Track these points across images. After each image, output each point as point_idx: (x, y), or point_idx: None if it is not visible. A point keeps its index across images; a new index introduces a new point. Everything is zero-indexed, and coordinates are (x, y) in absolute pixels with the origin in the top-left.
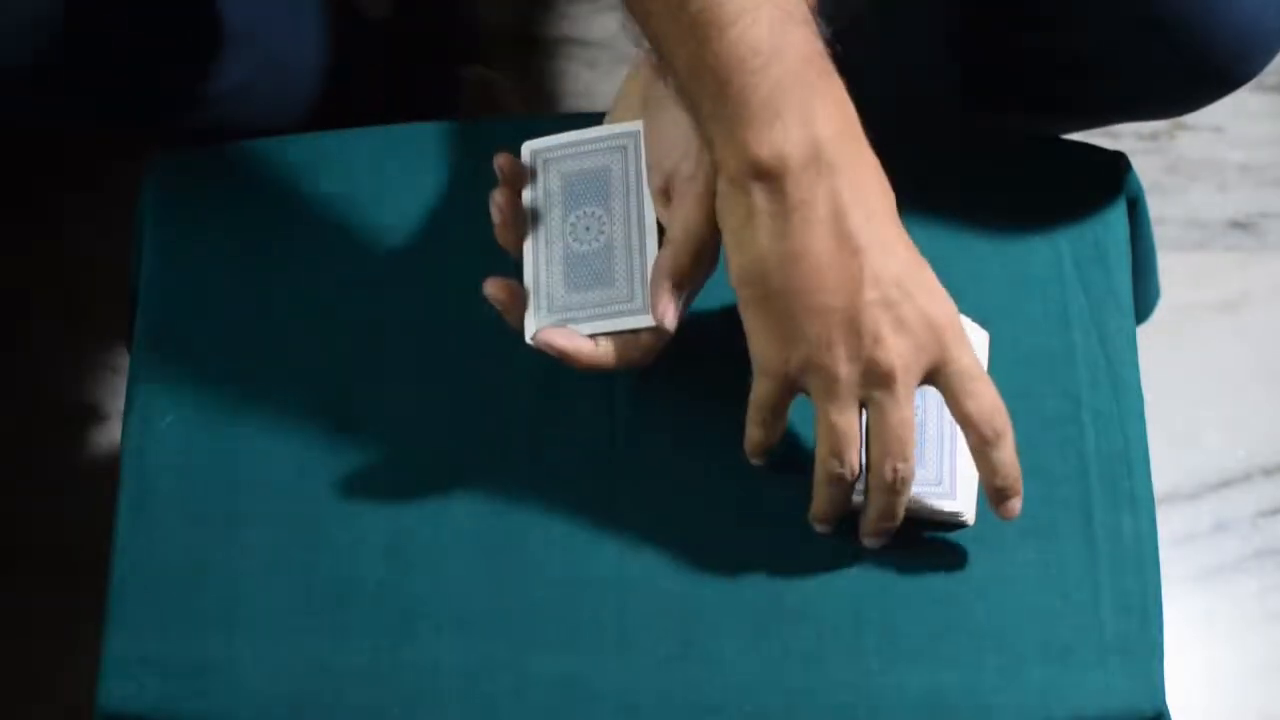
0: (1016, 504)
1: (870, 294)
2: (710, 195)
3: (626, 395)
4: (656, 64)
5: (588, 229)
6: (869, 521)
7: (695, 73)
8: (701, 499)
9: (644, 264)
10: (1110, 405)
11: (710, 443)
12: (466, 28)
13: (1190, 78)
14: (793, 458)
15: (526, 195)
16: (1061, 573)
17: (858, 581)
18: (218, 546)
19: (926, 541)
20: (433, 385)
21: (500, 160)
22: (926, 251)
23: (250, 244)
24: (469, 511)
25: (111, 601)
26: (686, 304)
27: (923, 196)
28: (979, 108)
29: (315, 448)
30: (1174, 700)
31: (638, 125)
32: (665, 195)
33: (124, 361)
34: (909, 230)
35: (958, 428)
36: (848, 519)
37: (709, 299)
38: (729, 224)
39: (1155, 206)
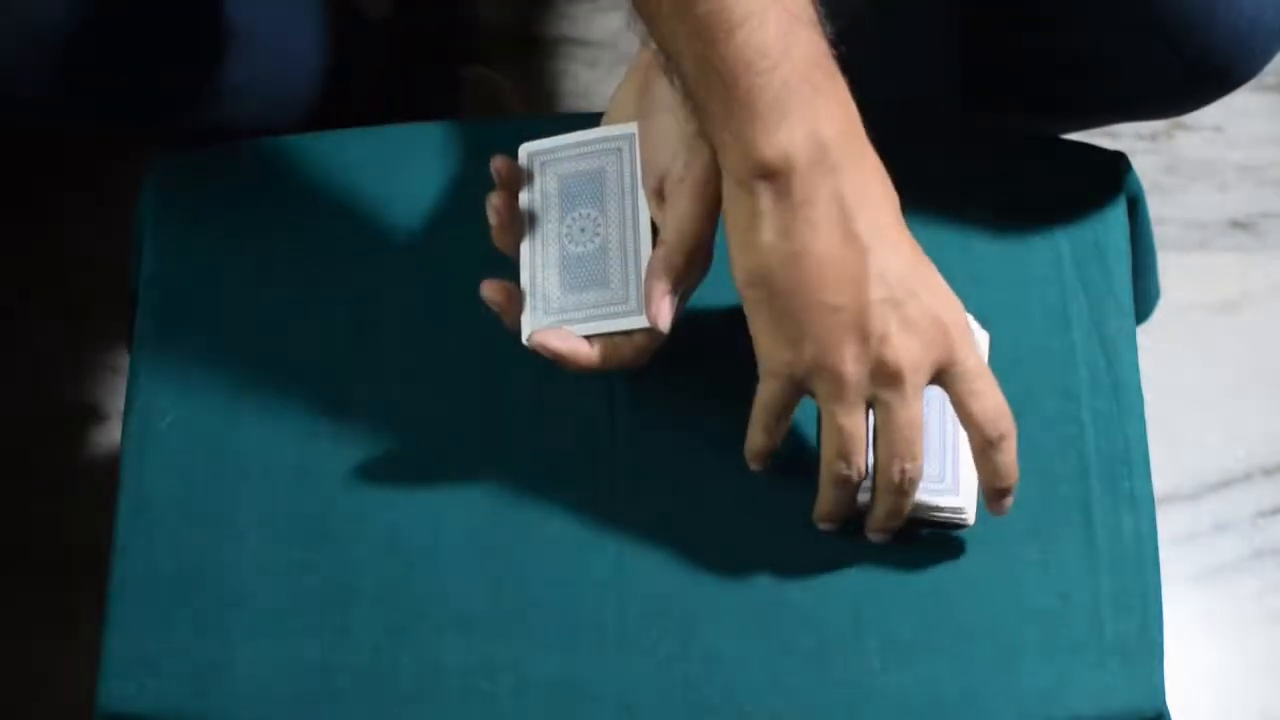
0: (1010, 501)
1: (877, 293)
2: (702, 195)
3: (626, 395)
4: (663, 65)
5: (583, 231)
6: (875, 520)
7: (703, 74)
8: (701, 499)
9: (639, 265)
10: (1110, 405)
11: (710, 442)
12: (466, 28)
13: (1190, 77)
14: (794, 457)
15: (523, 197)
16: (1061, 573)
17: (858, 581)
18: (218, 546)
19: (927, 541)
20: (433, 385)
21: (497, 163)
22: (927, 251)
23: (250, 244)
24: (469, 512)
25: (111, 601)
26: (681, 304)
27: (923, 196)
28: (979, 108)
29: (315, 448)
30: (1174, 700)
31: (632, 127)
32: (659, 196)
33: (124, 361)
34: (909, 230)
35: (960, 426)
36: (852, 517)
37: (708, 299)
38: (734, 225)
39: (1155, 206)
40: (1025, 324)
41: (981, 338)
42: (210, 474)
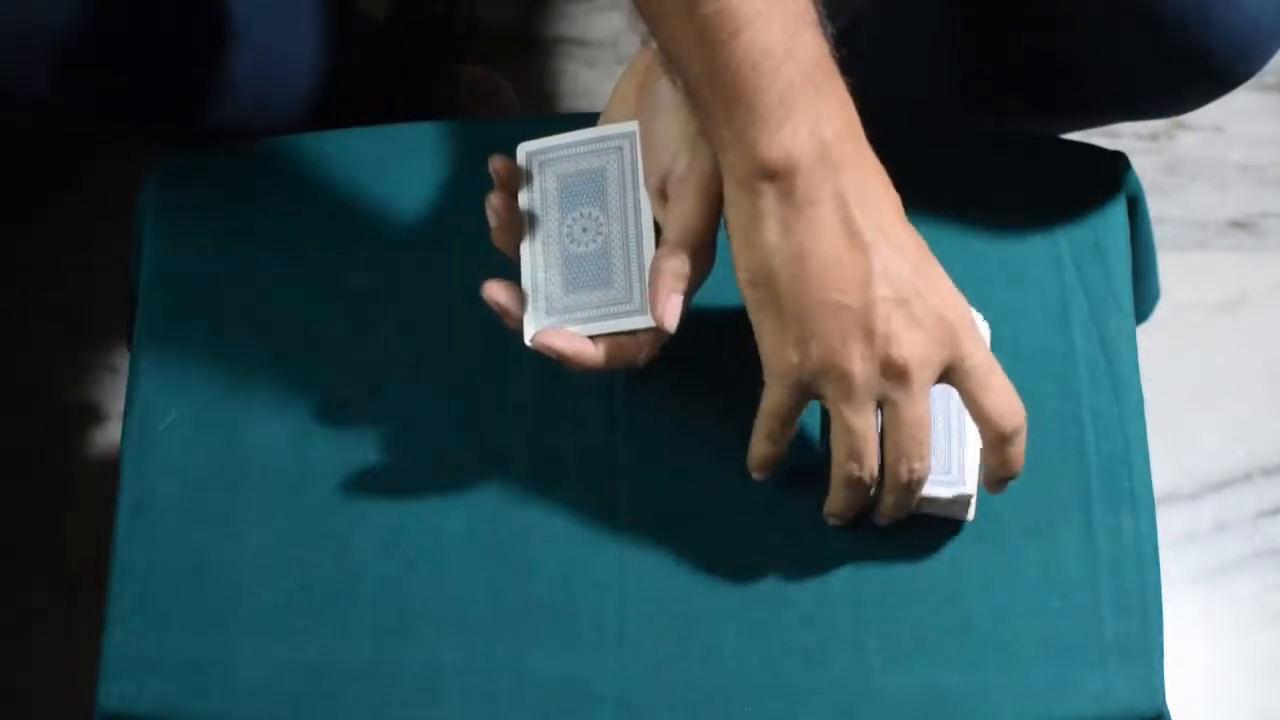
0: (1009, 485)
1: (882, 290)
2: (705, 193)
3: (627, 395)
4: (665, 66)
5: (585, 230)
6: (880, 516)
7: (707, 75)
8: (702, 498)
9: (642, 264)
10: (1110, 405)
11: (711, 442)
12: (466, 28)
13: (1189, 77)
14: (794, 457)
15: (523, 198)
16: (1061, 573)
17: (858, 581)
18: (217, 546)
19: (927, 542)
20: (433, 385)
21: (495, 163)
22: None
23: (250, 244)
24: (469, 511)
25: (111, 601)
26: (686, 303)
27: (922, 196)
28: (979, 108)
29: (315, 447)
30: (1174, 700)
31: (633, 126)
32: (661, 195)
33: (124, 361)
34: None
35: (964, 416)
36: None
37: (709, 299)
38: (737, 225)
39: (1155, 206)
40: (1025, 324)
41: (983, 329)
42: (210, 474)
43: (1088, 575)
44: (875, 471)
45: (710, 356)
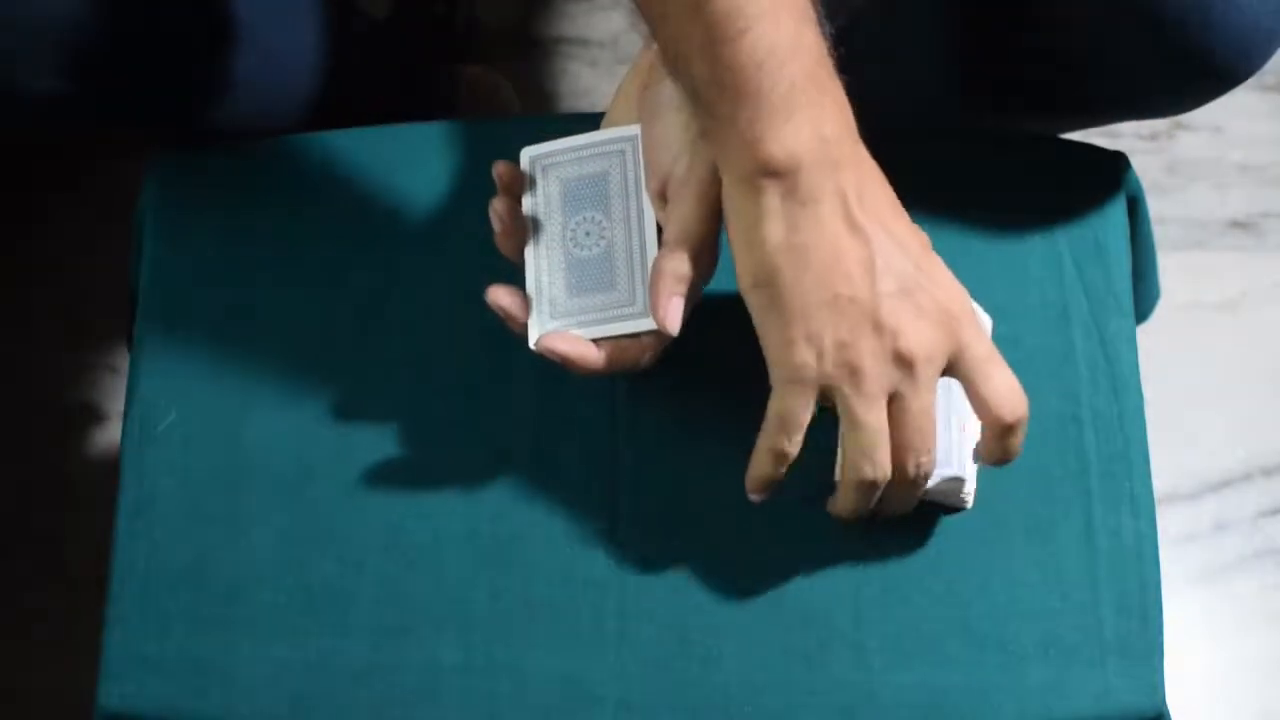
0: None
1: (886, 285)
2: (706, 196)
3: (626, 395)
4: (668, 67)
5: (588, 234)
6: (884, 510)
7: (712, 74)
8: (702, 499)
9: (645, 268)
10: (1110, 405)
11: (711, 443)
12: (466, 28)
13: (1189, 76)
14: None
15: (526, 202)
16: (1061, 573)
17: (858, 581)
18: (217, 546)
19: (927, 542)
20: (433, 386)
21: (498, 168)
22: None
23: (250, 244)
24: (469, 512)
25: (111, 601)
26: (688, 306)
27: (923, 196)
28: (979, 108)
29: (315, 447)
30: (1174, 700)
31: (635, 129)
32: (662, 197)
33: (124, 361)
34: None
35: (962, 404)
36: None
37: (710, 301)
38: (738, 224)
39: (1155, 206)
40: (1025, 324)
41: (985, 323)
42: (210, 474)
43: (1088, 575)
44: (889, 470)
45: (712, 358)
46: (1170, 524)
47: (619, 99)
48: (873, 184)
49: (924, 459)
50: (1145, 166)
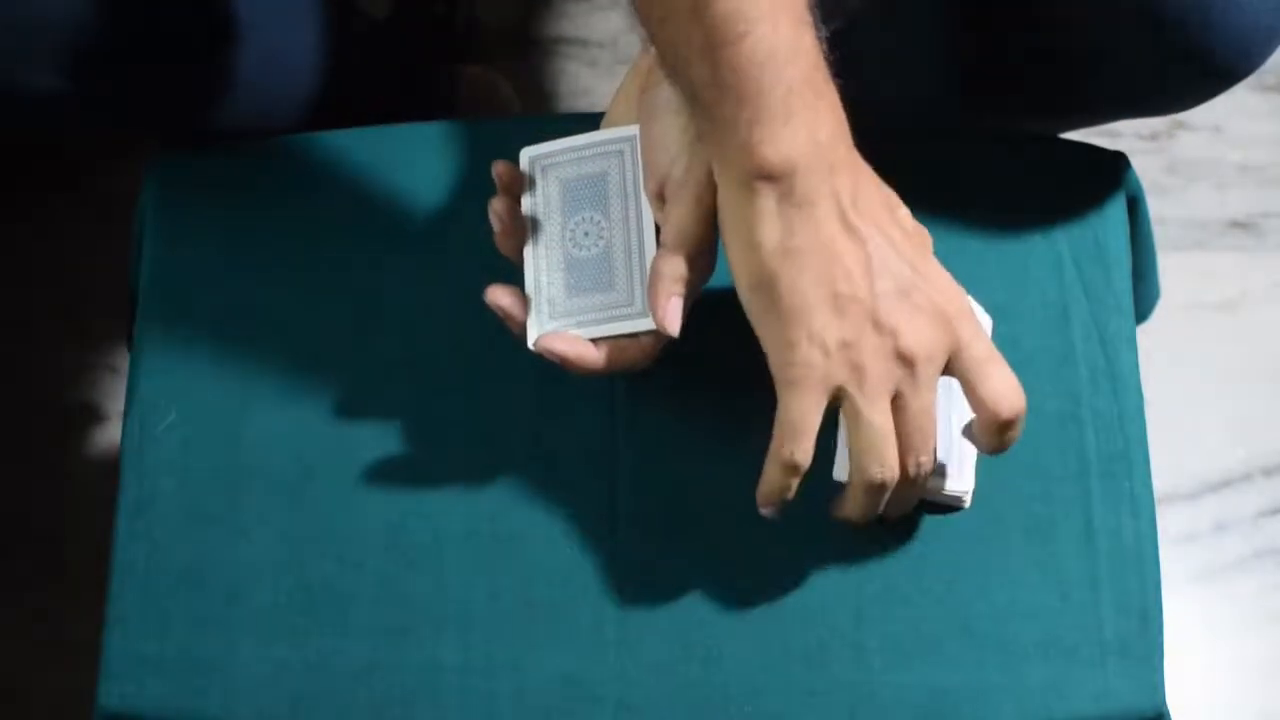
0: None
1: (884, 284)
2: (703, 198)
3: (626, 395)
4: (666, 70)
5: (587, 234)
6: (885, 511)
7: (712, 77)
8: (702, 498)
9: (643, 268)
10: (1110, 405)
11: (711, 443)
12: (466, 28)
13: (1189, 74)
14: None
15: (526, 202)
16: (1061, 573)
17: (858, 581)
18: (217, 546)
19: (927, 542)
20: (433, 385)
21: (498, 168)
22: None
23: (250, 244)
24: (469, 511)
25: (111, 601)
26: (686, 306)
27: (923, 196)
28: (979, 108)
29: (315, 447)
30: (1174, 700)
31: (634, 130)
32: (660, 198)
33: (124, 361)
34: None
35: (961, 403)
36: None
37: (708, 300)
38: (735, 229)
39: (1155, 206)
40: (1025, 324)
41: (985, 322)
42: (210, 474)
43: (1088, 575)
44: (898, 471)
45: (711, 358)
46: (1170, 524)
47: (618, 100)
48: (867, 187)
49: (924, 458)
50: (1145, 166)
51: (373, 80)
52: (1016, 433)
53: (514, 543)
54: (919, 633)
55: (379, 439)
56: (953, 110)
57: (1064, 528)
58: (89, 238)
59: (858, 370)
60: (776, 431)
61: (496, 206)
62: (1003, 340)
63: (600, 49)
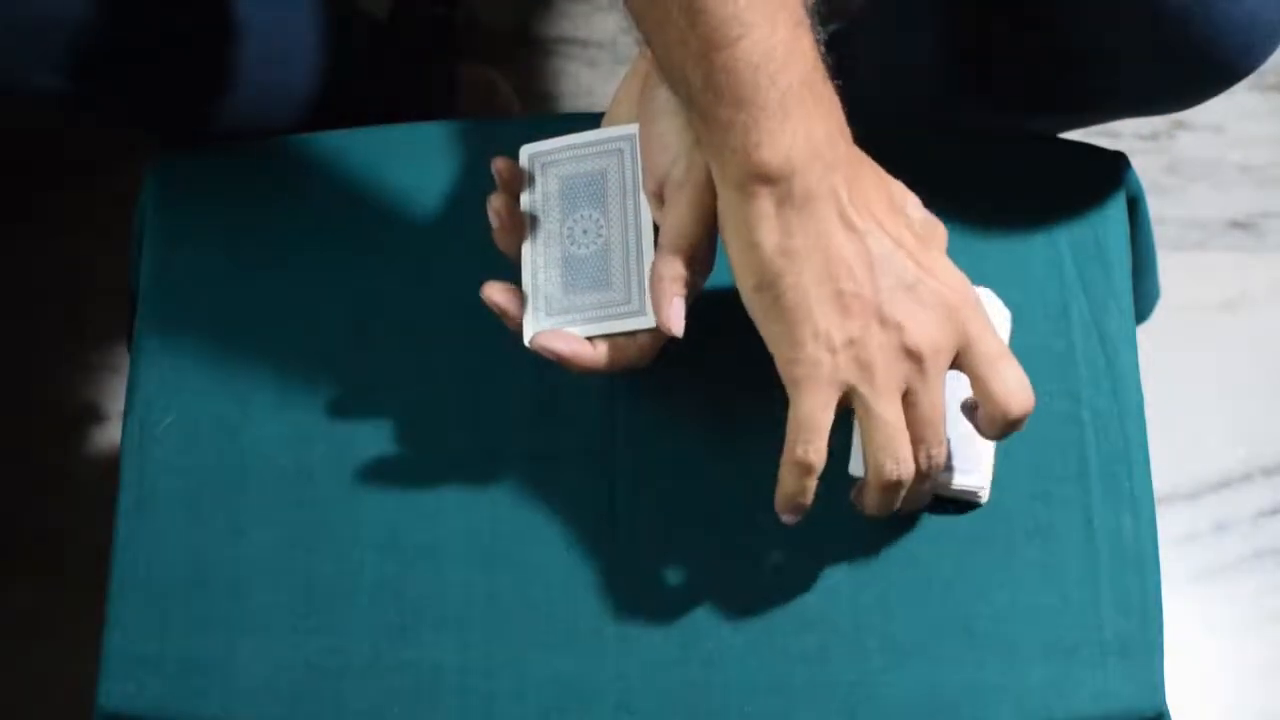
0: None
1: (887, 280)
2: (701, 199)
3: (626, 395)
4: (661, 73)
5: (585, 232)
6: (901, 506)
7: (708, 80)
8: (701, 498)
9: (641, 267)
10: (1110, 405)
11: (710, 442)
12: (466, 28)
13: (1190, 73)
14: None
15: (525, 199)
16: (1061, 573)
17: (858, 582)
18: (218, 546)
19: (928, 542)
20: (433, 384)
21: (498, 164)
22: None
23: (250, 244)
24: (469, 512)
25: (111, 601)
26: (688, 306)
27: (923, 196)
28: (979, 108)
29: (315, 447)
30: (1174, 700)
31: (633, 128)
32: (659, 198)
33: (124, 361)
34: None
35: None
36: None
37: (707, 299)
38: (735, 232)
39: (1155, 206)
40: (1025, 324)
41: (1004, 317)
42: (210, 473)
43: (1088, 575)
44: (913, 467)
45: (710, 357)
46: (1170, 524)
47: (619, 100)
48: (866, 184)
49: (934, 451)
50: (1145, 166)
51: (373, 80)
52: (1021, 426)
53: (513, 543)
54: (919, 633)
55: (379, 439)
56: (953, 110)
57: (1064, 528)
58: (89, 238)
59: (865, 367)
60: (788, 433)
61: (495, 203)
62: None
63: (600, 49)
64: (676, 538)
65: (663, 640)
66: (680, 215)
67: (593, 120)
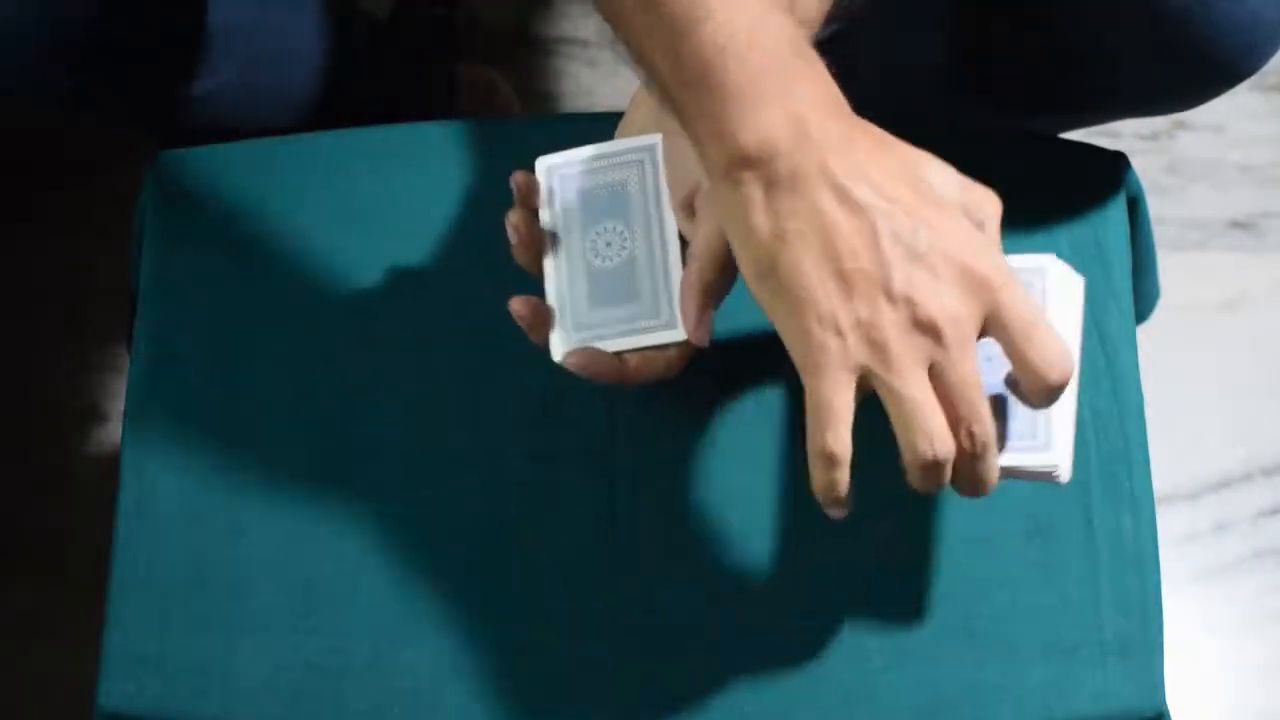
0: None
1: (893, 252)
2: None
3: (626, 395)
4: (636, 69)
5: (609, 245)
6: (961, 491)
7: (675, 67)
8: (702, 499)
9: (669, 278)
10: (1110, 405)
11: (711, 443)
12: (466, 28)
13: (1191, 73)
14: (797, 453)
15: (544, 213)
16: (1061, 573)
17: (858, 582)
18: (217, 546)
19: (927, 543)
20: (432, 385)
21: (516, 178)
22: None
23: (250, 244)
24: (469, 511)
25: (111, 601)
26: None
27: None
28: (979, 108)
29: (315, 447)
30: (1174, 700)
31: (654, 138)
32: (688, 210)
33: (124, 361)
34: None
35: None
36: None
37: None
38: (729, 222)
39: (1155, 206)
40: None
41: (1074, 282)
42: (210, 474)
43: (1088, 575)
44: (950, 443)
45: (710, 357)
46: (1170, 524)
47: (636, 104)
48: (864, 153)
49: (976, 428)
50: (1145, 166)
51: (373, 80)
52: (1062, 393)
53: (514, 543)
54: (919, 633)
55: (379, 438)
56: (953, 110)
57: (1064, 528)
58: (89, 238)
59: (878, 347)
60: (808, 425)
61: (513, 218)
62: None
63: (600, 49)
64: (676, 538)
65: (663, 640)
66: (713, 227)
67: (594, 120)
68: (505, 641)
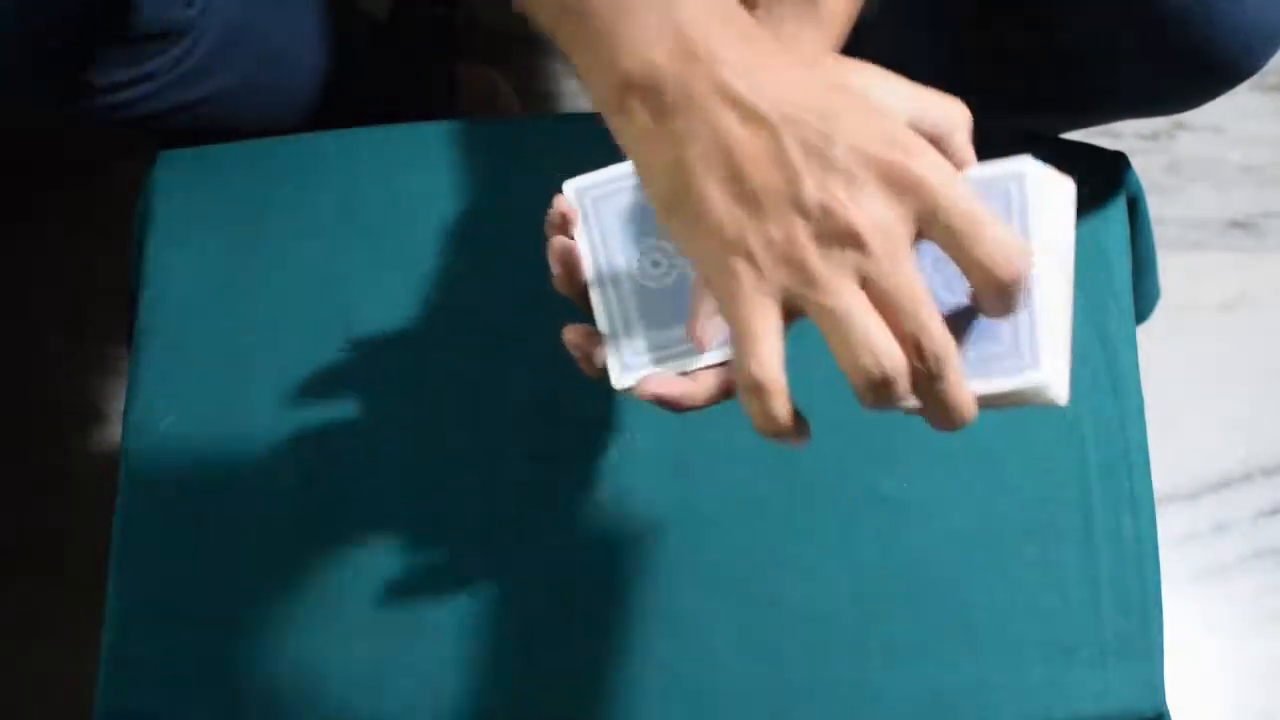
0: None
1: (803, 162)
2: None
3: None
4: (533, 22)
5: (655, 264)
6: (934, 423)
7: (557, 10)
8: (701, 499)
9: None
10: (1110, 405)
11: (711, 442)
12: (466, 28)
13: (1192, 74)
14: (798, 453)
15: (580, 238)
16: (1061, 573)
17: (858, 581)
18: (217, 546)
19: (928, 542)
20: (433, 385)
21: (559, 207)
22: None
23: (250, 244)
24: (469, 511)
25: (111, 601)
26: None
27: None
28: (979, 108)
29: (314, 447)
30: (1174, 700)
31: None
32: None
33: (124, 361)
34: None
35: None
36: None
37: None
38: (632, 158)
39: (1155, 206)
40: None
41: (1060, 184)
42: (210, 474)
43: (1088, 575)
44: (897, 356)
45: None
46: (1170, 524)
47: None
48: (764, 61)
49: (924, 340)
50: (1145, 166)
51: (373, 80)
52: (1022, 289)
53: (514, 543)
54: (919, 633)
55: (378, 439)
56: None
57: (1064, 528)
58: (89, 238)
59: (796, 265)
60: (736, 355)
61: (556, 247)
62: None
63: None
64: (676, 538)
65: (662, 640)
66: None
67: (594, 120)
68: (505, 641)
